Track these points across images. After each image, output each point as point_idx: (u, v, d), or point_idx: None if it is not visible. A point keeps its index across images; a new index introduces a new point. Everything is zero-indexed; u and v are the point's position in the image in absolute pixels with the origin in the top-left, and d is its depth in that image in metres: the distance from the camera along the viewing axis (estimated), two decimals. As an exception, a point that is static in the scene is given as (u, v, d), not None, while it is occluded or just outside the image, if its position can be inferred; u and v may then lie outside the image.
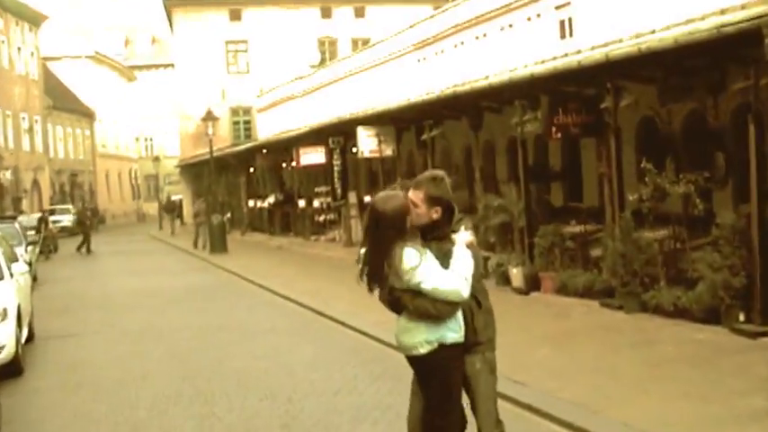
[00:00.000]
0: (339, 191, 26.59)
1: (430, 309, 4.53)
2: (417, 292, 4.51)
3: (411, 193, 4.64)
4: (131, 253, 32.44)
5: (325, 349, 10.91)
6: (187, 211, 47.43)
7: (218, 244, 27.74)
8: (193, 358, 10.79)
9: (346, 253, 22.90)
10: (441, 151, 20.68)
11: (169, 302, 16.79)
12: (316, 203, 29.61)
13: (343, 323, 12.47)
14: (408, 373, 4.84)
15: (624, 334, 10.18)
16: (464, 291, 4.51)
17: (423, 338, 4.59)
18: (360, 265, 4.67)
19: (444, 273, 4.50)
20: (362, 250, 4.67)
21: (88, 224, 34.12)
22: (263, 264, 23.21)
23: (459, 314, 4.64)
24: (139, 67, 74.19)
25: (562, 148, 16.75)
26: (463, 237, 4.66)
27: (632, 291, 11.17)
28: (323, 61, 42.20)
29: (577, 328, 10.87)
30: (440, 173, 4.76)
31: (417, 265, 4.47)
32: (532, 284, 13.66)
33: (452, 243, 4.62)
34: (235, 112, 47.59)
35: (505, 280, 14.24)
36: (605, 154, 12.66)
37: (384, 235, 4.52)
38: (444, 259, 4.56)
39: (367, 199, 26.08)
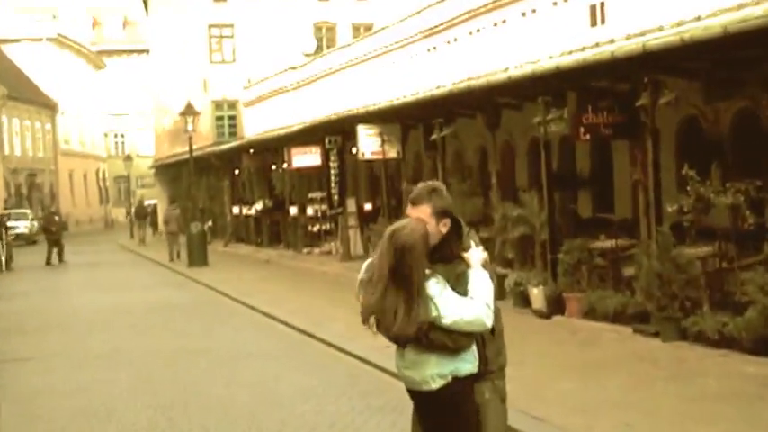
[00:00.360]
0: (336, 197, 26.56)
1: (447, 342, 4.49)
2: (431, 324, 4.47)
3: (411, 212, 4.61)
4: (98, 265, 32.46)
5: (317, 377, 10.90)
6: (162, 218, 47.52)
7: (198, 256, 27.75)
8: (167, 386, 10.78)
9: (343, 268, 22.90)
10: (452, 153, 20.71)
11: (140, 322, 16.79)
12: (309, 211, 29.63)
13: (338, 347, 12.46)
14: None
15: (660, 365, 10.16)
16: (487, 320, 4.48)
17: (435, 372, 4.54)
18: (373, 316, 4.54)
19: (464, 302, 4.46)
20: (373, 298, 4.51)
21: (54, 230, 33.86)
22: (248, 279, 23.21)
23: (473, 343, 4.61)
24: (109, 53, 74.48)
25: (591, 152, 16.77)
26: (477, 255, 4.62)
27: (670, 316, 11.14)
28: (319, 49, 42.31)
29: (606, 357, 10.85)
30: (437, 183, 4.77)
31: (435, 297, 4.44)
32: (555, 307, 13.64)
33: (462, 263, 4.59)
34: (218, 105, 47.71)
35: (524, 301, 14.24)
36: (641, 158, 12.68)
37: (418, 271, 4.44)
38: (456, 283, 4.53)
39: (368, 207, 26.19)
